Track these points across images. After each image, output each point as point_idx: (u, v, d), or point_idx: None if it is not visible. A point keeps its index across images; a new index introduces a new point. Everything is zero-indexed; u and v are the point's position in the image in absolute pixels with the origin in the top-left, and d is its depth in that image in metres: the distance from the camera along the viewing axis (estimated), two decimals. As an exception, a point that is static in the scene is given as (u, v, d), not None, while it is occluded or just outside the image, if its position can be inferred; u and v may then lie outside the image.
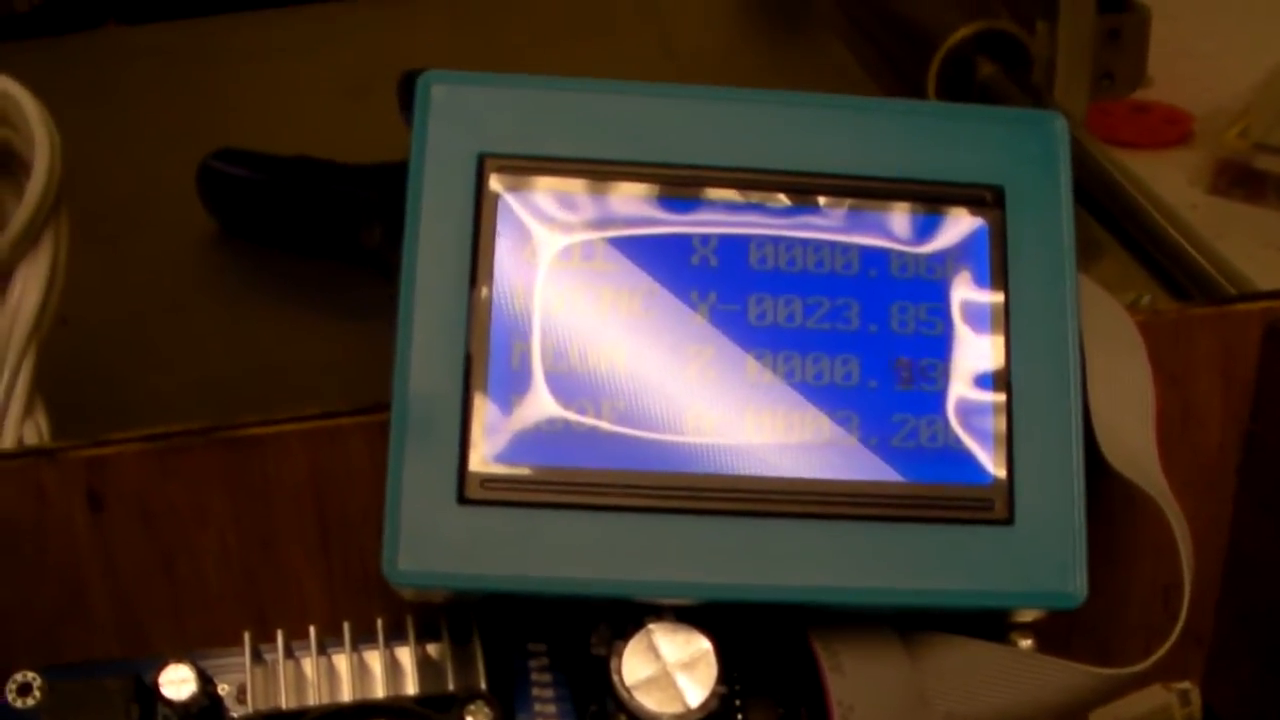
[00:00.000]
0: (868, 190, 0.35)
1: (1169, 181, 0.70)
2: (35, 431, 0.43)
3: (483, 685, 0.36)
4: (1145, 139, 0.76)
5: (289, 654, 0.37)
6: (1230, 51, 0.82)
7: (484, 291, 0.34)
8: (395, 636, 0.37)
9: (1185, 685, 0.44)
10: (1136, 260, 0.55)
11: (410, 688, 0.36)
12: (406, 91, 0.70)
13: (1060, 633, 0.37)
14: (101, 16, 0.85)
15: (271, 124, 0.72)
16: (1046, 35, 0.64)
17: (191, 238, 0.66)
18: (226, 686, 0.37)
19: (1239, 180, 0.73)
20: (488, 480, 0.33)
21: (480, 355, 0.34)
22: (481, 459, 0.33)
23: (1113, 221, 0.56)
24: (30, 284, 0.44)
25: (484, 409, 0.33)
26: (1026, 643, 0.36)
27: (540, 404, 0.34)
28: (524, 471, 0.33)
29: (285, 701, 0.36)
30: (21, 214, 0.43)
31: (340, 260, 0.63)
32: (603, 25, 0.82)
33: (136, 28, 0.84)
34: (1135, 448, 0.36)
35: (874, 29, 0.71)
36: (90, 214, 0.49)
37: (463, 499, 0.33)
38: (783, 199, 0.35)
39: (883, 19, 0.70)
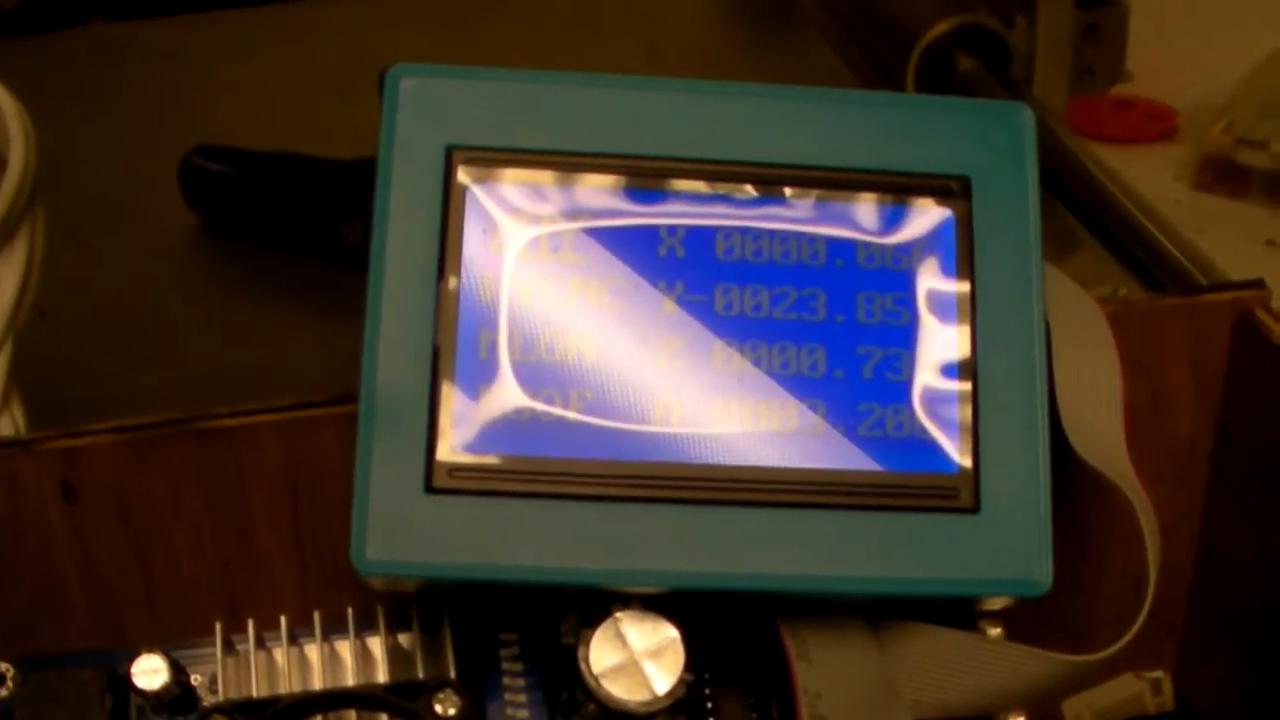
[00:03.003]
0: (834, 181, 0.35)
1: (1153, 177, 0.71)
2: (11, 425, 0.43)
3: (452, 674, 0.36)
4: (1129, 135, 0.77)
5: (260, 644, 0.37)
6: (1213, 46, 0.82)
7: (452, 283, 0.34)
8: (366, 626, 0.37)
9: (1157, 674, 0.44)
10: (1112, 254, 0.55)
11: (381, 676, 0.36)
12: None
13: (1031, 624, 0.37)
14: (85, 13, 0.85)
15: (254, 120, 0.72)
16: (1025, 30, 0.64)
17: (173, 233, 0.66)
18: (199, 676, 0.37)
19: (1223, 175, 0.73)
20: (455, 469, 0.33)
21: (448, 346, 0.34)
22: (449, 448, 0.33)
23: (1088, 215, 0.56)
24: (6, 278, 0.44)
25: (452, 399, 0.34)
26: (995, 631, 0.37)
27: (508, 394, 0.34)
28: (492, 461, 0.33)
29: (257, 690, 0.36)
30: (-4, 208, 0.43)
31: (321, 256, 0.63)
32: (587, 26, 0.82)
33: (121, 24, 0.84)
34: (1102, 437, 0.37)
35: (856, 26, 0.71)
36: (72, 209, 0.49)
37: (430, 488, 0.33)
38: (750, 190, 0.35)
39: (864, 15, 0.70)
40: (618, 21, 0.82)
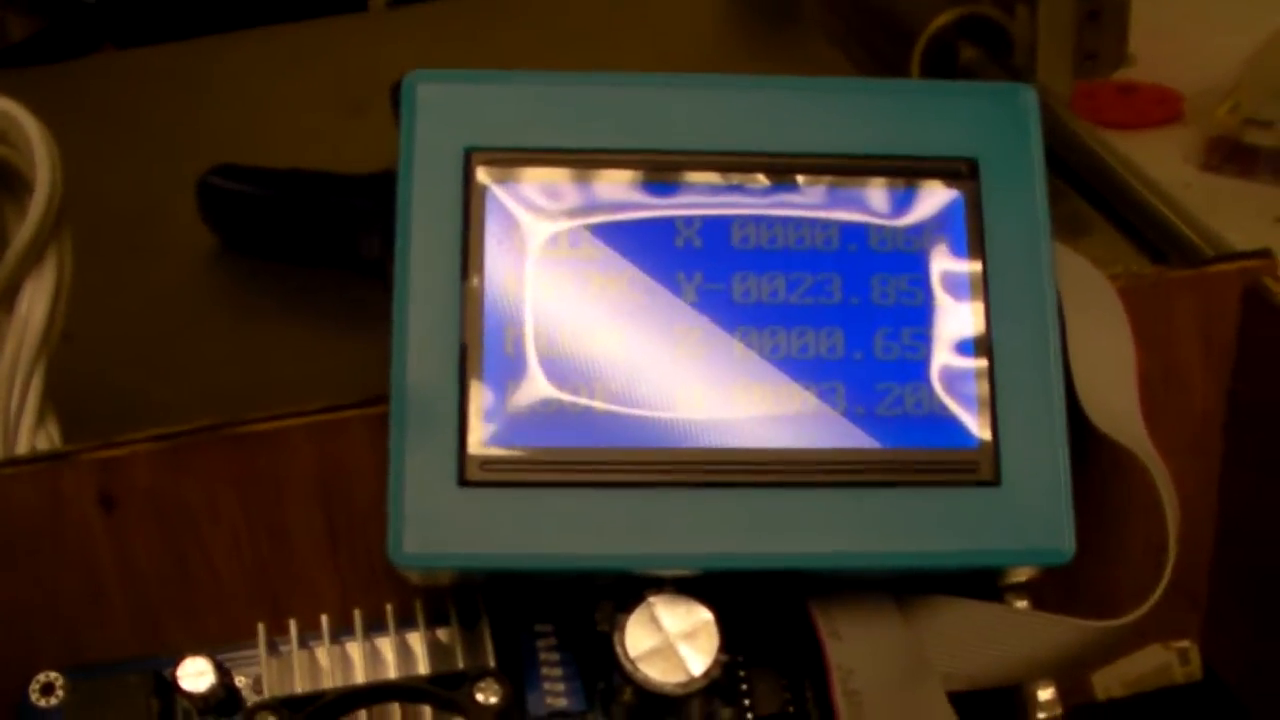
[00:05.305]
0: (845, 167, 0.36)
1: (1161, 160, 0.71)
2: (48, 440, 0.44)
3: (492, 665, 0.36)
4: (1134, 119, 0.77)
5: (302, 644, 0.38)
6: (1217, 28, 0.82)
7: (475, 281, 0.35)
8: (405, 623, 0.38)
9: (1184, 644, 0.44)
10: (1121, 234, 0.56)
11: (422, 670, 0.37)
12: (399, 99, 0.71)
13: (1056, 597, 0.38)
14: (97, 41, 0.86)
15: (268, 140, 0.73)
16: (1027, 18, 0.65)
17: (193, 254, 0.66)
18: (243, 678, 0.38)
19: (1231, 156, 0.73)
20: (487, 462, 0.34)
21: (474, 343, 0.35)
22: (480, 442, 0.34)
23: (1096, 197, 0.57)
24: (37, 298, 0.45)
25: (480, 395, 0.34)
26: (1022, 603, 0.37)
27: (535, 387, 0.35)
28: (521, 453, 0.34)
29: (300, 689, 0.37)
30: (26, 231, 0.44)
31: (340, 270, 0.63)
32: (593, 35, 0.82)
33: (132, 51, 0.85)
34: (1118, 408, 0.37)
35: (859, 23, 0.72)
36: (92, 233, 0.49)
37: (463, 481, 0.34)
38: (762, 179, 0.36)
39: (867, 12, 0.71)
40: (624, 28, 0.83)
